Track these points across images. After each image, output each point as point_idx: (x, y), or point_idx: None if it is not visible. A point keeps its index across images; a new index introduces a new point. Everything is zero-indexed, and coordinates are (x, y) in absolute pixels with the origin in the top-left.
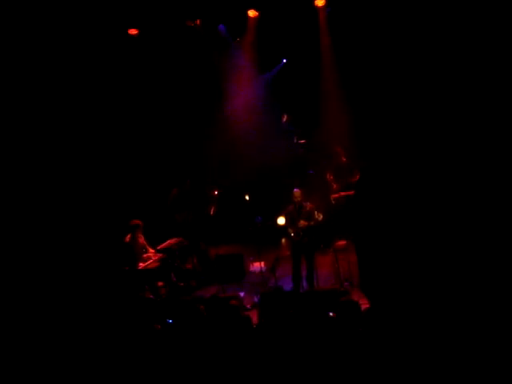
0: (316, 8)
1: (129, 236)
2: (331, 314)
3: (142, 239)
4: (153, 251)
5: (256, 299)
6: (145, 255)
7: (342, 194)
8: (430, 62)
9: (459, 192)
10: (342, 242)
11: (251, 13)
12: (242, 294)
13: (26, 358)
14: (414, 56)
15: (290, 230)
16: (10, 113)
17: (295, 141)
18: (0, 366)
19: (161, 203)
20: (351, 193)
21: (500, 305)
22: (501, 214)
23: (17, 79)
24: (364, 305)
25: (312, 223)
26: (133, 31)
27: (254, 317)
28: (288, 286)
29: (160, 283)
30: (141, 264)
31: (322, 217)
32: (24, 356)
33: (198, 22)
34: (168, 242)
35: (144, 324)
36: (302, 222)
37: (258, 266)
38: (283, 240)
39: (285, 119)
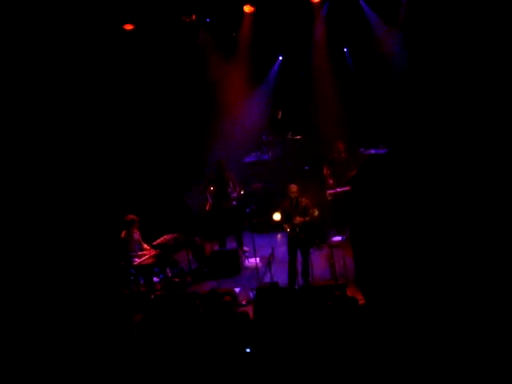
0: (312, 4)
1: (124, 232)
2: None
3: (137, 235)
4: (148, 247)
5: (251, 295)
6: (140, 252)
7: (338, 190)
8: (426, 55)
9: (454, 187)
10: (337, 238)
11: (247, 8)
12: (237, 290)
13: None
14: (411, 52)
15: (285, 226)
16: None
17: (290, 136)
18: None
19: (157, 198)
20: (347, 189)
21: (494, 300)
22: (497, 213)
23: (9, 72)
24: (360, 301)
25: (308, 219)
26: (128, 26)
27: (250, 313)
28: (283, 281)
29: (155, 279)
30: (136, 260)
31: (317, 213)
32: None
33: (194, 17)
34: (163, 237)
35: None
36: (298, 218)
37: (253, 261)
38: (279, 235)
39: (280, 115)
